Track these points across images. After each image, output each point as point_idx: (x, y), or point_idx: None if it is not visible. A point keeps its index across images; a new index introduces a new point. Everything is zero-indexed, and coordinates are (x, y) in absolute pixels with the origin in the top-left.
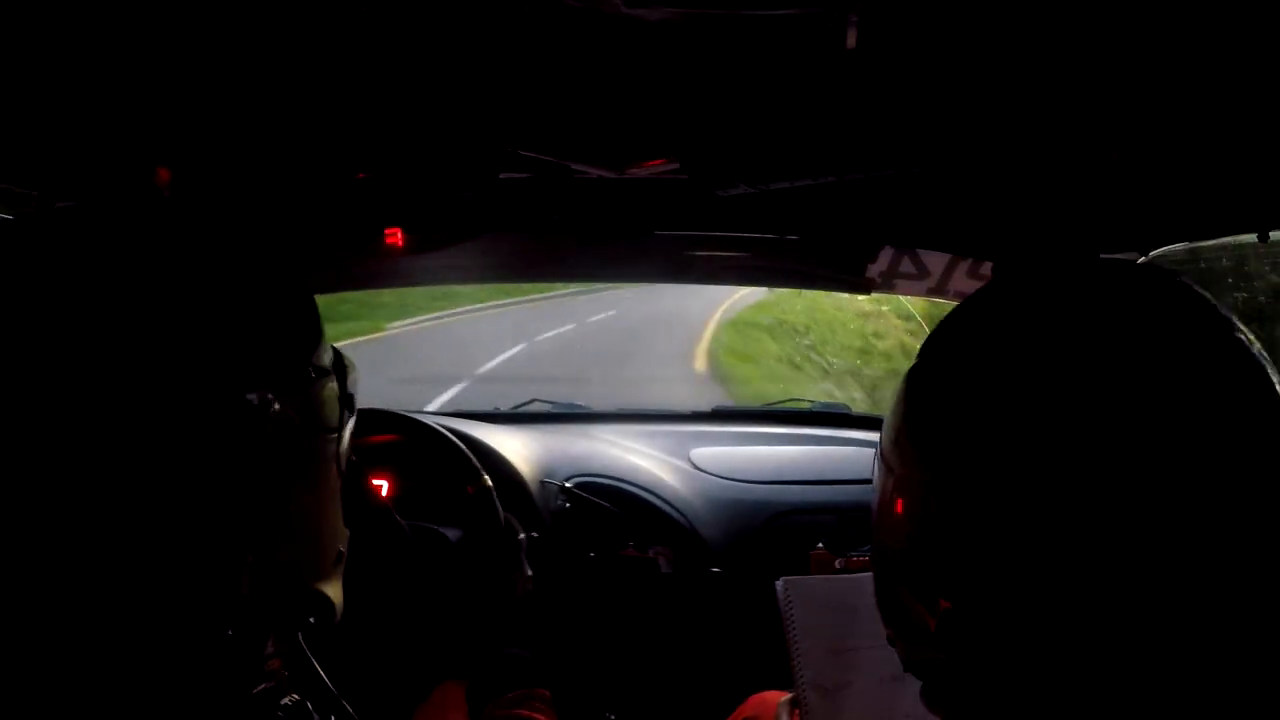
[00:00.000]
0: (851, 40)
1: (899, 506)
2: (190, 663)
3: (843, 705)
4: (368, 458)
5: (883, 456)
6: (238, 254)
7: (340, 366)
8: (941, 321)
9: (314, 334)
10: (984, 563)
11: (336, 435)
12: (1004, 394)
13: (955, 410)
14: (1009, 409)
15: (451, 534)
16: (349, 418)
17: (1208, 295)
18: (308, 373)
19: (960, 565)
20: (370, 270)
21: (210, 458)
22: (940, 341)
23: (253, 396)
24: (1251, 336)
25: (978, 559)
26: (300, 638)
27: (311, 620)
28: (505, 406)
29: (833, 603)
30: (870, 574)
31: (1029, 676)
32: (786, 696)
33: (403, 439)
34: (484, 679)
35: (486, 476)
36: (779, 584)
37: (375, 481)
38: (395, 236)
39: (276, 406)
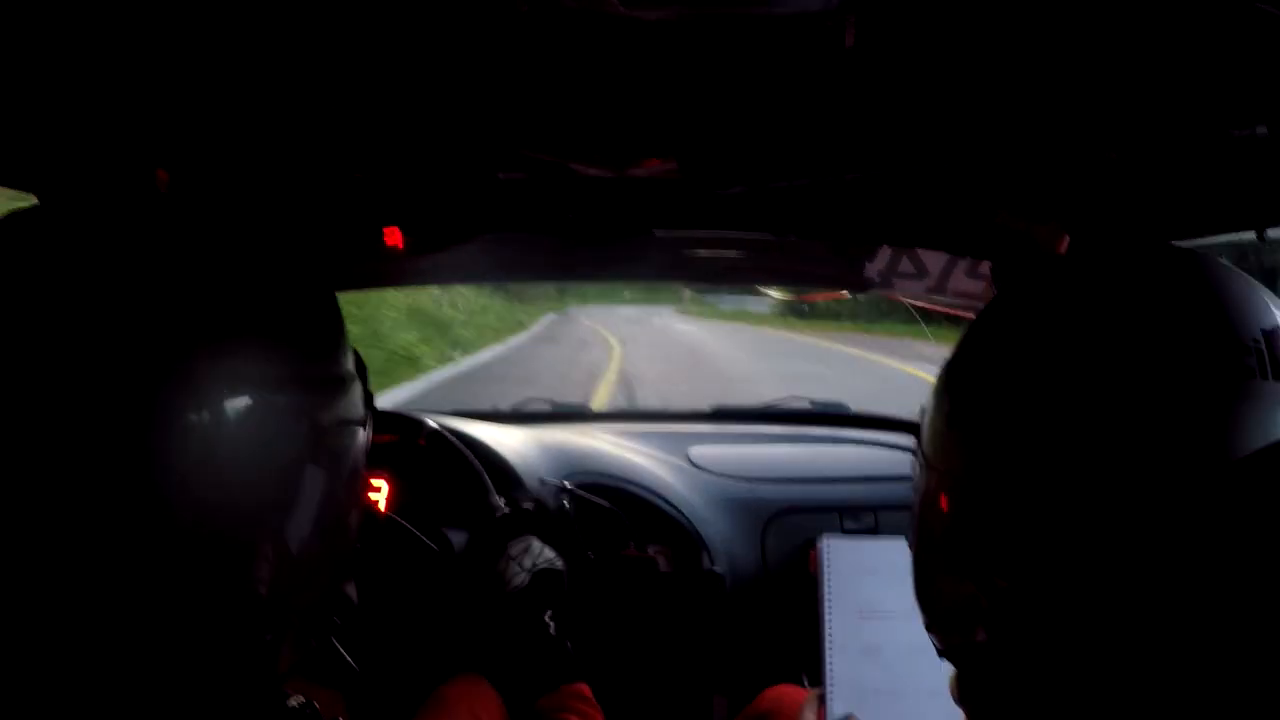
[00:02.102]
0: (850, 39)
1: (944, 501)
2: (212, 665)
3: (867, 672)
4: (367, 458)
5: (924, 446)
6: (272, 258)
7: (361, 366)
8: (978, 317)
9: (342, 336)
10: (1041, 541)
11: (363, 435)
12: (1057, 378)
13: (1009, 398)
14: (1063, 393)
15: (454, 536)
16: (370, 416)
17: (1253, 280)
18: (341, 375)
19: (1017, 545)
20: (368, 270)
21: (241, 460)
22: (981, 335)
23: (288, 401)
24: None
25: (1033, 538)
26: (333, 639)
27: (337, 620)
28: (504, 406)
29: (869, 566)
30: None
31: (1081, 653)
32: (811, 693)
33: (401, 439)
34: (523, 669)
35: (430, 421)
36: (821, 541)
37: (374, 482)
38: (394, 236)
39: (311, 410)
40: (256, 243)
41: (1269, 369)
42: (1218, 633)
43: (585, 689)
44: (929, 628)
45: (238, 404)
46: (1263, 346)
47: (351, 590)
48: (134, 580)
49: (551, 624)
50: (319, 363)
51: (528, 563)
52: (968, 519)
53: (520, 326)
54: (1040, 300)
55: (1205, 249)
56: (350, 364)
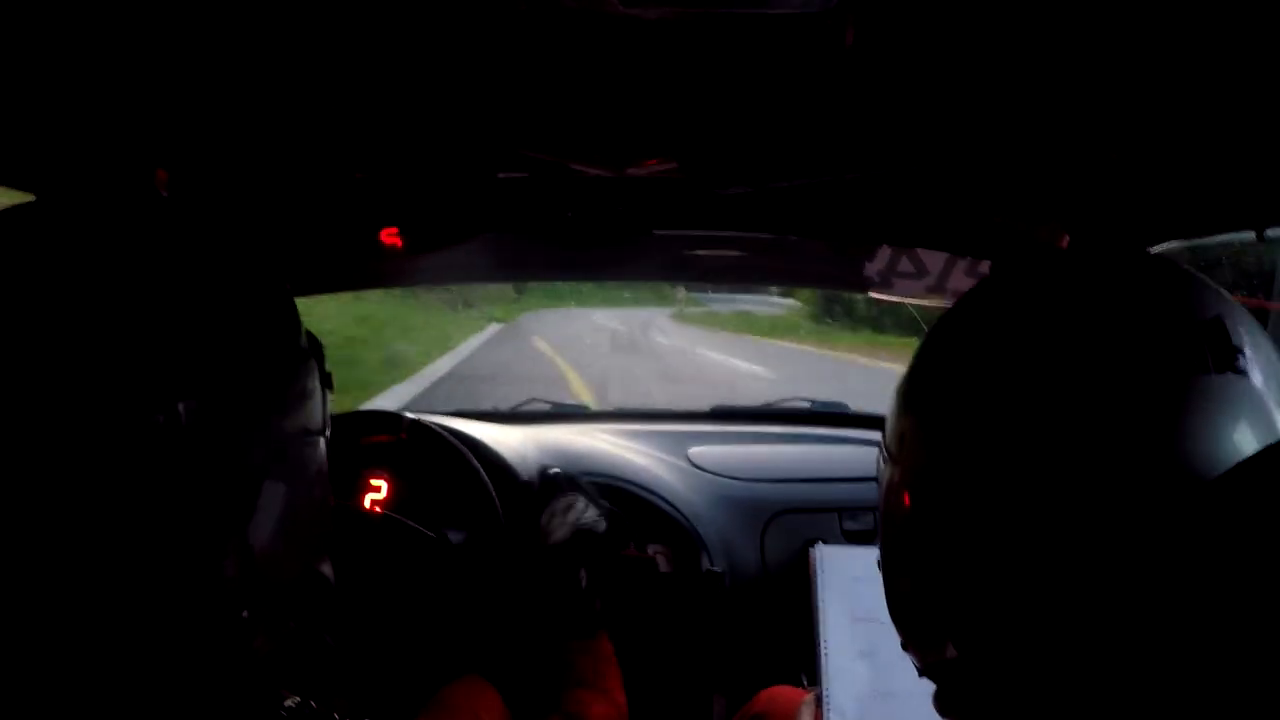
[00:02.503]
0: (850, 39)
1: (906, 499)
2: (186, 648)
3: (863, 674)
4: (366, 458)
5: (888, 453)
6: (212, 247)
7: (316, 346)
8: (939, 319)
9: (292, 319)
10: (992, 555)
11: (321, 413)
12: (1006, 384)
13: (961, 402)
14: (1013, 399)
15: (454, 535)
16: (329, 395)
17: (1209, 281)
18: (290, 355)
19: (970, 557)
20: (368, 271)
21: (189, 441)
22: (940, 338)
23: (233, 379)
24: (1252, 322)
25: (987, 551)
26: (314, 620)
27: (315, 600)
28: (504, 406)
29: (861, 573)
30: None
31: (1040, 669)
32: (808, 695)
33: (400, 439)
34: (552, 617)
35: (409, 415)
36: (814, 549)
37: (374, 482)
38: (393, 236)
39: (258, 389)
40: (227, 243)
41: (1212, 362)
42: (1186, 636)
43: (610, 648)
44: (905, 646)
45: (204, 395)
46: (1204, 340)
47: (328, 569)
48: (105, 563)
49: (584, 578)
50: (279, 351)
51: (571, 517)
52: (929, 517)
53: (400, 371)
54: (995, 302)
55: (1204, 249)
56: (305, 344)
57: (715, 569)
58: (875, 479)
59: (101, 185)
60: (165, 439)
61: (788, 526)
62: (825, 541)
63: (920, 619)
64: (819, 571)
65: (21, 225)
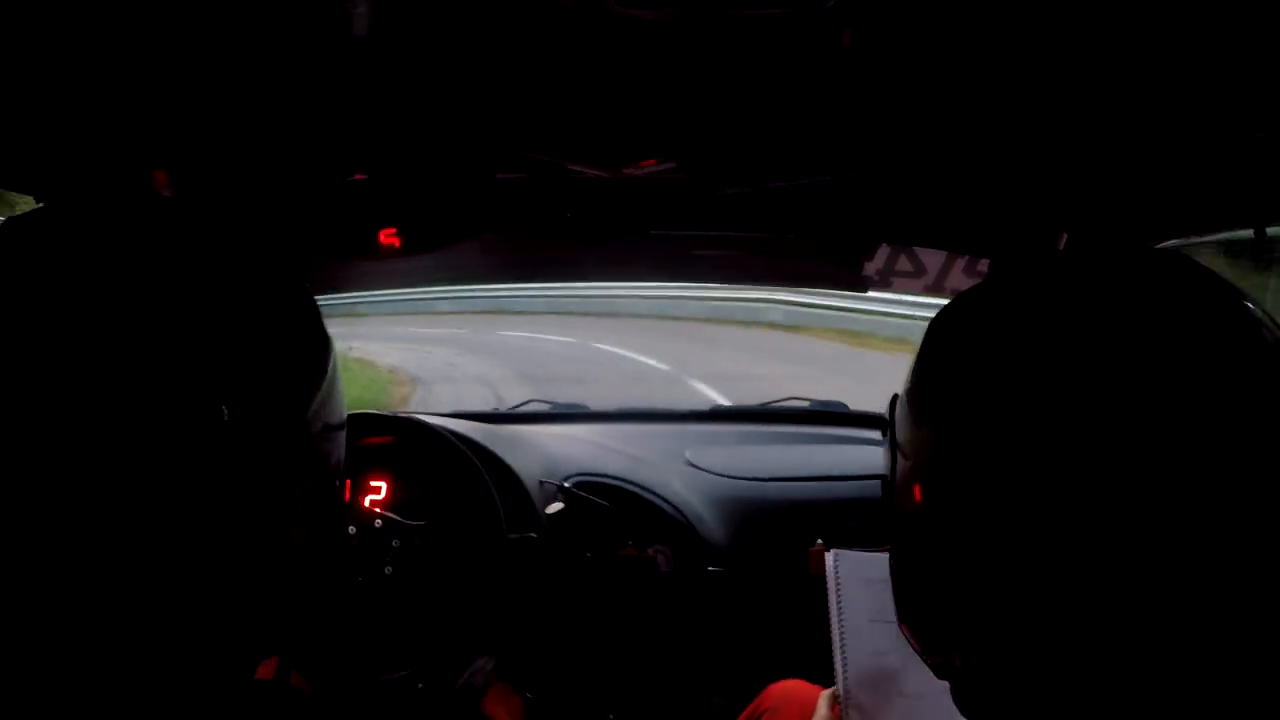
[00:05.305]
0: (846, 38)
1: (917, 495)
2: (196, 655)
3: (881, 673)
4: (365, 459)
5: (898, 449)
6: (256, 256)
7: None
8: (949, 304)
9: (317, 319)
10: (998, 555)
11: (341, 429)
12: (1010, 377)
13: (965, 397)
14: (1018, 391)
15: (451, 534)
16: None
17: (1221, 276)
18: (320, 351)
19: (982, 558)
20: (369, 271)
21: (219, 454)
22: (953, 327)
23: (273, 398)
24: (1268, 316)
25: (1000, 552)
26: (311, 632)
27: (316, 609)
28: (503, 407)
29: (877, 576)
30: None
31: (1056, 675)
32: (825, 691)
33: (399, 440)
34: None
35: (408, 416)
36: (829, 555)
37: (373, 483)
38: (393, 236)
39: (294, 388)
40: (249, 245)
41: (1230, 355)
42: (1213, 641)
43: None
44: (919, 650)
45: (245, 395)
46: (1226, 333)
47: (327, 580)
48: (105, 567)
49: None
50: (304, 360)
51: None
52: (940, 517)
53: None
54: (1012, 291)
55: (1203, 247)
56: (333, 364)
57: (715, 569)
58: (875, 477)
59: (107, 187)
60: (207, 440)
61: (788, 526)
62: (824, 542)
63: (931, 623)
64: (834, 575)
65: (50, 230)
